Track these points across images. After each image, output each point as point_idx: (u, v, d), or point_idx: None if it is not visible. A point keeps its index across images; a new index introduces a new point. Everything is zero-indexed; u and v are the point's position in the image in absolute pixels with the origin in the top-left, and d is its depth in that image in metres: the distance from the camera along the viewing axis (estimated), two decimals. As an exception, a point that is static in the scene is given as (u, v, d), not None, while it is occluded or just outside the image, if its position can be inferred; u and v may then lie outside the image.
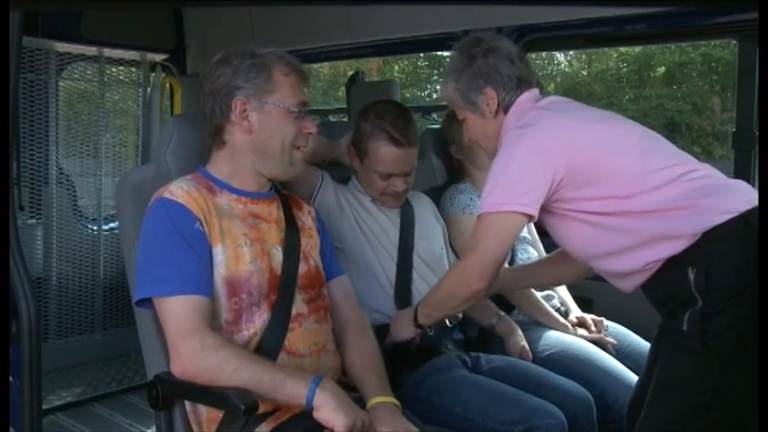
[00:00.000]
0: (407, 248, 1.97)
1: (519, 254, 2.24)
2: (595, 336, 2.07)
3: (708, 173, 1.51)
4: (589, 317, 2.14)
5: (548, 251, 2.35)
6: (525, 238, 2.29)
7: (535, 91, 1.67)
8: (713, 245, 1.39)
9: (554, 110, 1.61)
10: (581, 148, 1.50)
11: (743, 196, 1.43)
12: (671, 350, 1.46)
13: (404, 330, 1.77)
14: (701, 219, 1.40)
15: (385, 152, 1.92)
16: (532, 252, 2.28)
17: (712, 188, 1.47)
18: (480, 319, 2.09)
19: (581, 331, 2.09)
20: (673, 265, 1.43)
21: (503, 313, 2.08)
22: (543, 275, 1.96)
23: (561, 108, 1.63)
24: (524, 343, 1.98)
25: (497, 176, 1.53)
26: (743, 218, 1.39)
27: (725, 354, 1.38)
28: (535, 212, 1.50)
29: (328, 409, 1.34)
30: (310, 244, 1.65)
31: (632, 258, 1.47)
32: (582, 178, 1.49)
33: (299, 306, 1.54)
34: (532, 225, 2.37)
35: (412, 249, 1.97)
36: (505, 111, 1.65)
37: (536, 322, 2.12)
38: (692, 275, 1.38)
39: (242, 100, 1.51)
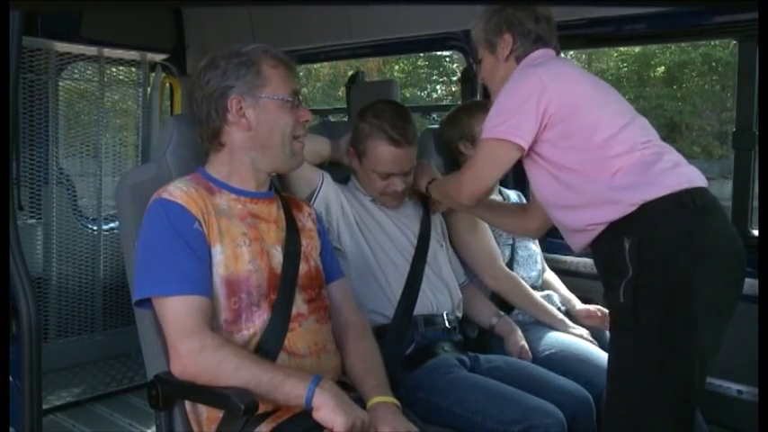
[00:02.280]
0: (421, 259, 1.96)
1: (520, 251, 2.25)
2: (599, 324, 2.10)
3: (662, 150, 1.61)
4: (594, 307, 2.16)
5: (545, 250, 2.36)
6: None
7: (551, 51, 1.80)
8: (646, 217, 1.51)
9: (561, 60, 1.80)
10: (573, 93, 1.65)
11: (684, 177, 1.56)
12: (612, 336, 1.60)
13: (422, 180, 2.04)
14: (641, 191, 1.52)
15: (383, 152, 1.93)
16: (533, 249, 2.29)
17: (662, 164, 1.57)
18: (480, 320, 2.09)
19: (582, 331, 2.09)
20: (612, 233, 1.55)
21: (502, 313, 2.08)
22: (504, 218, 2.11)
23: (568, 62, 1.84)
24: (524, 343, 1.98)
25: (499, 106, 1.68)
26: (677, 195, 1.52)
27: (657, 327, 1.48)
28: (525, 144, 1.64)
29: (327, 409, 1.34)
30: (311, 245, 1.65)
31: (578, 215, 1.62)
32: (563, 124, 1.62)
33: (299, 306, 1.54)
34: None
35: (425, 261, 1.97)
36: (517, 60, 1.79)
37: (536, 322, 2.12)
38: (627, 245, 1.51)
39: (237, 98, 1.52)
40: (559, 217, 1.70)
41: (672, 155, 1.61)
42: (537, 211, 1.91)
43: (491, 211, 2.08)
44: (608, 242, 1.57)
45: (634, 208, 1.51)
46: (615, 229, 1.55)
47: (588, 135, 1.60)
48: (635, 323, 1.49)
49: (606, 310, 2.12)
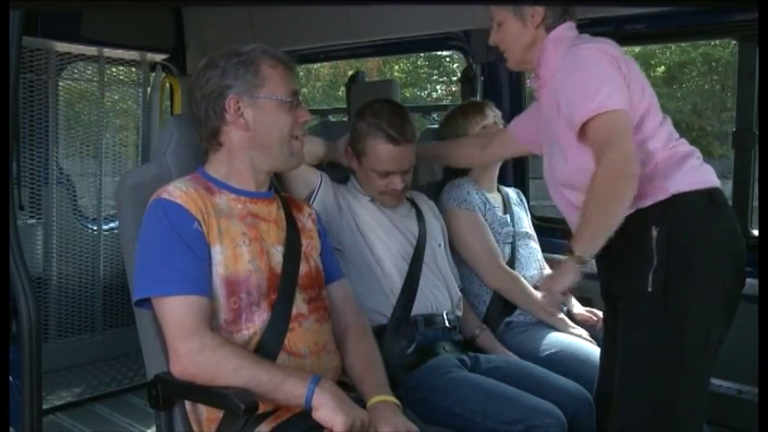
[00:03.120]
0: (419, 259, 1.97)
1: (521, 249, 2.25)
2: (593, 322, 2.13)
3: (692, 147, 1.64)
4: (588, 312, 2.18)
5: (544, 250, 2.36)
6: (527, 233, 2.30)
7: (573, 24, 1.74)
8: (676, 208, 1.53)
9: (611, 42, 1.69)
10: (632, 75, 1.60)
11: (709, 175, 1.61)
12: (627, 327, 1.58)
13: (569, 276, 1.58)
14: (677, 181, 1.55)
15: (382, 150, 1.93)
16: (533, 246, 2.29)
17: (694, 160, 1.61)
18: (463, 330, 2.07)
19: (581, 331, 2.09)
20: (638, 220, 1.53)
21: (485, 326, 2.09)
22: (454, 153, 2.19)
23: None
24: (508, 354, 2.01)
25: (587, 84, 1.55)
26: (708, 192, 1.57)
27: (683, 316, 1.50)
28: (627, 107, 1.55)
29: (327, 409, 1.34)
30: (311, 245, 1.65)
31: None
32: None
33: (299, 306, 1.54)
34: (531, 223, 2.39)
35: (422, 260, 1.97)
36: (547, 29, 1.71)
37: (536, 322, 2.13)
38: (654, 233, 1.51)
39: (235, 98, 1.51)
40: (572, 197, 1.65)
41: (698, 153, 1.64)
42: (498, 146, 2.01)
43: (447, 148, 2.17)
44: (631, 228, 1.53)
45: (666, 196, 1.54)
46: (640, 218, 1.54)
47: (641, 120, 1.59)
48: (663, 311, 1.50)
49: (600, 314, 2.13)
